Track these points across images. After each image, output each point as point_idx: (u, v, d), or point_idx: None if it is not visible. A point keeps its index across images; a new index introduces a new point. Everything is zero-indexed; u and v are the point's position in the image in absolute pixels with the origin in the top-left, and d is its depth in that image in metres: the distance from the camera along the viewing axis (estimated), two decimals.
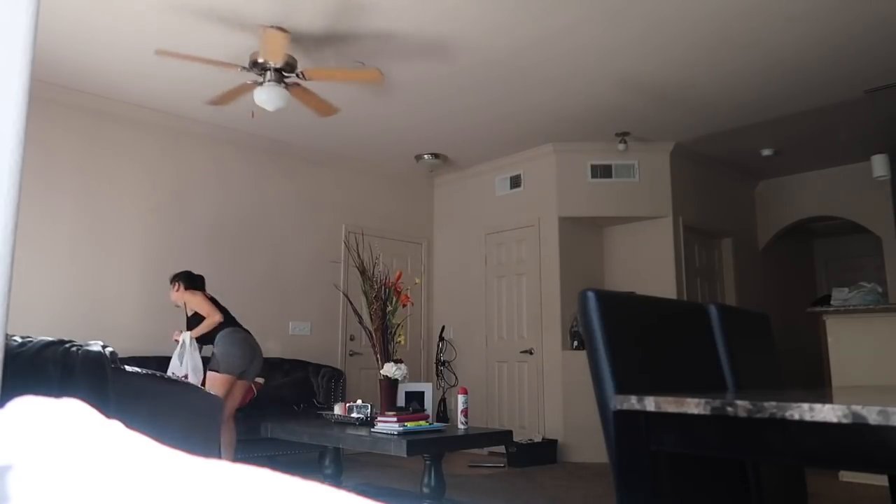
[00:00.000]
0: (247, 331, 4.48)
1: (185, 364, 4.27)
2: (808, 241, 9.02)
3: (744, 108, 5.56)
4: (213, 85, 5.02)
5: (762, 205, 7.69)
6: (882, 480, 4.39)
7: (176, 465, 0.33)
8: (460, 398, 3.98)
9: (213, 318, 4.36)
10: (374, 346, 4.30)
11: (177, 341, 4.38)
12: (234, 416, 4.45)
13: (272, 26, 4.00)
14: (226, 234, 5.97)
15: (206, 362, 4.34)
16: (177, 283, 4.57)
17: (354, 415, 4.06)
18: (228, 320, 4.45)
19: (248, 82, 4.31)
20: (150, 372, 2.12)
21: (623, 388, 1.22)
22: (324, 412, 4.54)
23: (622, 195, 6.44)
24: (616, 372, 1.24)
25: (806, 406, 0.90)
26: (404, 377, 4.12)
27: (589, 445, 5.88)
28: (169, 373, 4.02)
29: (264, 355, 4.62)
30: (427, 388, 4.44)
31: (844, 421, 0.87)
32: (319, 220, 6.63)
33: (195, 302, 4.45)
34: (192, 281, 4.58)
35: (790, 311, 7.41)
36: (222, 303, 4.59)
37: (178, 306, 4.61)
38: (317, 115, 4.81)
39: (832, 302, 5.00)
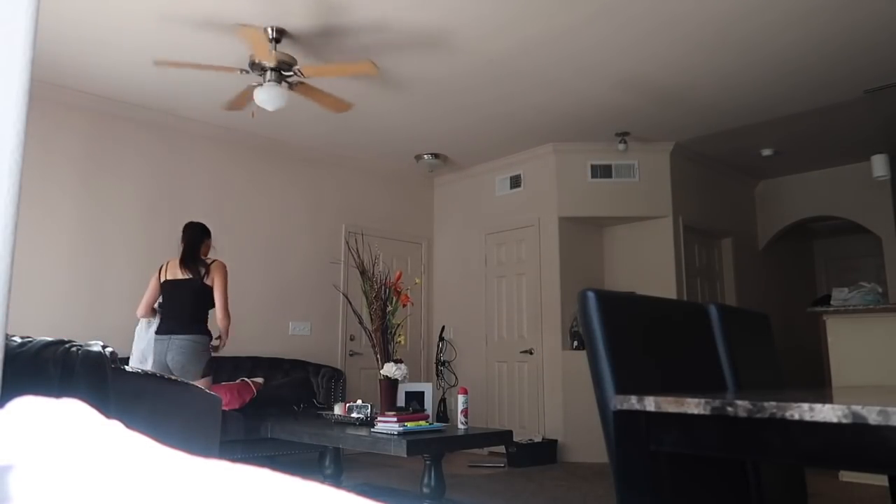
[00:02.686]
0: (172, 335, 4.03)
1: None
2: (808, 241, 9.02)
3: (744, 108, 5.56)
4: (212, 85, 5.02)
5: (762, 205, 7.69)
6: (882, 480, 4.39)
7: (176, 465, 0.33)
8: (460, 398, 3.98)
9: (228, 317, 3.97)
10: (374, 346, 4.30)
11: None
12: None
13: (248, 25, 3.96)
14: (225, 234, 5.97)
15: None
16: (208, 243, 4.14)
17: (354, 415, 4.06)
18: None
19: (254, 84, 4.31)
20: (150, 372, 2.12)
21: (623, 388, 1.22)
22: (324, 412, 4.54)
23: (622, 195, 6.44)
24: (616, 372, 1.24)
25: (806, 406, 0.90)
26: (404, 377, 4.12)
27: (589, 445, 5.88)
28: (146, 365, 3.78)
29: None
30: (427, 388, 4.45)
31: (844, 421, 0.87)
32: (319, 220, 6.63)
33: (220, 277, 4.01)
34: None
35: (790, 311, 7.41)
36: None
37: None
38: (332, 111, 4.78)
39: (832, 302, 5.00)
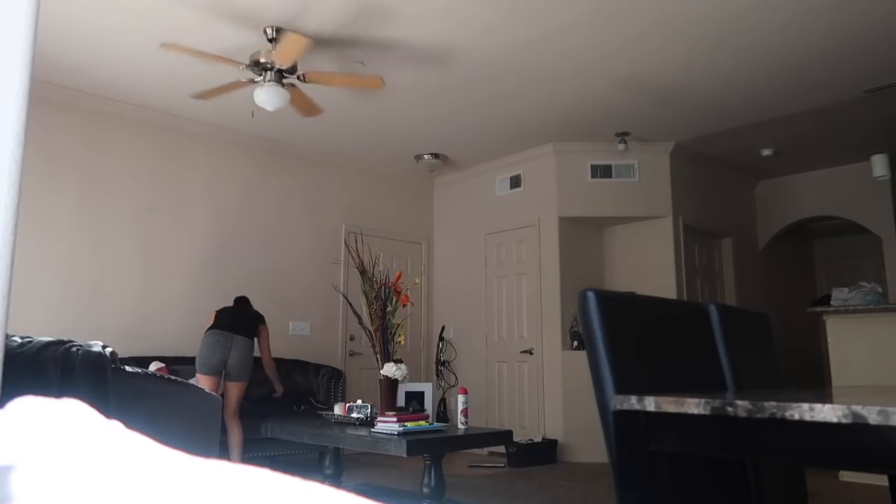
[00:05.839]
0: (234, 333, 4.50)
1: None
2: (808, 241, 9.02)
3: (744, 108, 5.56)
4: (212, 84, 5.02)
5: (762, 205, 7.69)
6: (882, 480, 4.39)
7: (176, 465, 0.33)
8: (460, 398, 3.98)
9: None
10: (374, 346, 4.30)
11: None
12: (238, 415, 4.50)
13: (294, 30, 3.99)
14: (225, 234, 5.97)
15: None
16: None
17: (354, 415, 4.06)
18: (217, 324, 4.54)
19: (243, 80, 4.30)
20: (150, 372, 2.12)
21: (623, 388, 1.22)
22: (324, 412, 4.54)
23: (622, 195, 6.44)
24: (616, 372, 1.24)
25: (806, 406, 0.90)
26: (404, 377, 4.12)
27: (589, 445, 5.88)
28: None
29: None
30: (427, 388, 4.44)
31: (844, 421, 0.87)
32: (319, 220, 6.63)
33: None
34: None
35: (790, 311, 7.41)
36: (231, 302, 4.80)
37: None
38: (300, 114, 4.79)
39: (832, 302, 5.00)
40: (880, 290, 4.99)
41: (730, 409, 0.99)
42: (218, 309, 4.70)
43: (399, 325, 4.37)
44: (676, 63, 4.74)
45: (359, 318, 4.50)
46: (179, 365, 5.07)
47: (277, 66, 4.14)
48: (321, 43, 4.38)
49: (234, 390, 4.48)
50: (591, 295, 1.30)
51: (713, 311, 1.64)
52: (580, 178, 6.47)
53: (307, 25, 4.15)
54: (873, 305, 4.79)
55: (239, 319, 4.61)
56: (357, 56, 4.57)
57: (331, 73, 4.39)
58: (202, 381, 4.33)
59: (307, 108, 4.66)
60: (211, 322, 4.58)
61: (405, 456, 3.26)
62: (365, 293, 4.39)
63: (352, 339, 6.61)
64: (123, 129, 5.49)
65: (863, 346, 4.80)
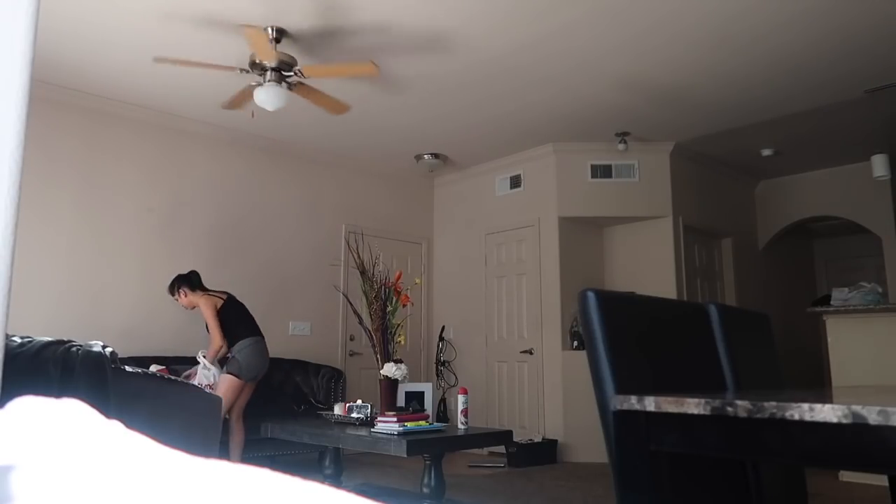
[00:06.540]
0: (262, 336, 4.59)
1: (199, 380, 4.43)
2: (808, 241, 9.02)
3: (744, 108, 5.56)
4: (213, 84, 5.02)
5: (762, 205, 7.69)
6: (882, 480, 4.39)
7: (176, 465, 0.33)
8: (460, 398, 3.98)
9: (215, 342, 4.48)
10: (374, 346, 4.30)
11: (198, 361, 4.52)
12: (244, 416, 4.53)
13: (251, 25, 3.97)
14: (225, 234, 5.97)
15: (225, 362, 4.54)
16: (181, 290, 4.63)
17: (354, 415, 4.06)
18: (250, 329, 4.55)
19: (253, 84, 4.30)
20: (150, 372, 2.12)
21: (623, 388, 1.22)
22: (324, 412, 4.54)
23: (622, 195, 6.44)
24: (616, 372, 1.24)
25: (806, 406, 0.90)
26: (404, 377, 4.12)
27: (589, 445, 5.87)
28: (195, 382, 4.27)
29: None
30: (427, 388, 4.44)
31: (844, 421, 0.87)
32: (319, 220, 6.63)
33: (204, 311, 4.53)
34: (190, 281, 4.66)
35: (790, 311, 7.41)
36: (224, 297, 4.73)
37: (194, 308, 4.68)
38: (329, 112, 4.77)
39: (832, 302, 4.99)
40: (880, 290, 4.99)
41: (730, 409, 0.99)
42: (221, 298, 4.60)
43: (399, 325, 4.37)
44: (677, 63, 4.74)
45: (359, 318, 4.50)
46: (179, 365, 5.07)
47: (269, 65, 4.13)
48: (319, 44, 4.38)
49: (249, 391, 4.53)
50: (591, 295, 1.30)
51: (713, 311, 1.64)
52: (580, 178, 6.47)
53: (304, 24, 4.15)
54: (873, 305, 4.79)
55: (254, 321, 4.65)
56: (357, 57, 4.56)
57: (326, 66, 4.36)
58: (229, 384, 4.30)
59: (332, 106, 4.63)
60: (214, 302, 4.51)
61: (405, 456, 3.26)
62: (365, 293, 4.39)
63: (352, 339, 6.61)
64: (123, 129, 5.49)
65: (863, 346, 4.80)
